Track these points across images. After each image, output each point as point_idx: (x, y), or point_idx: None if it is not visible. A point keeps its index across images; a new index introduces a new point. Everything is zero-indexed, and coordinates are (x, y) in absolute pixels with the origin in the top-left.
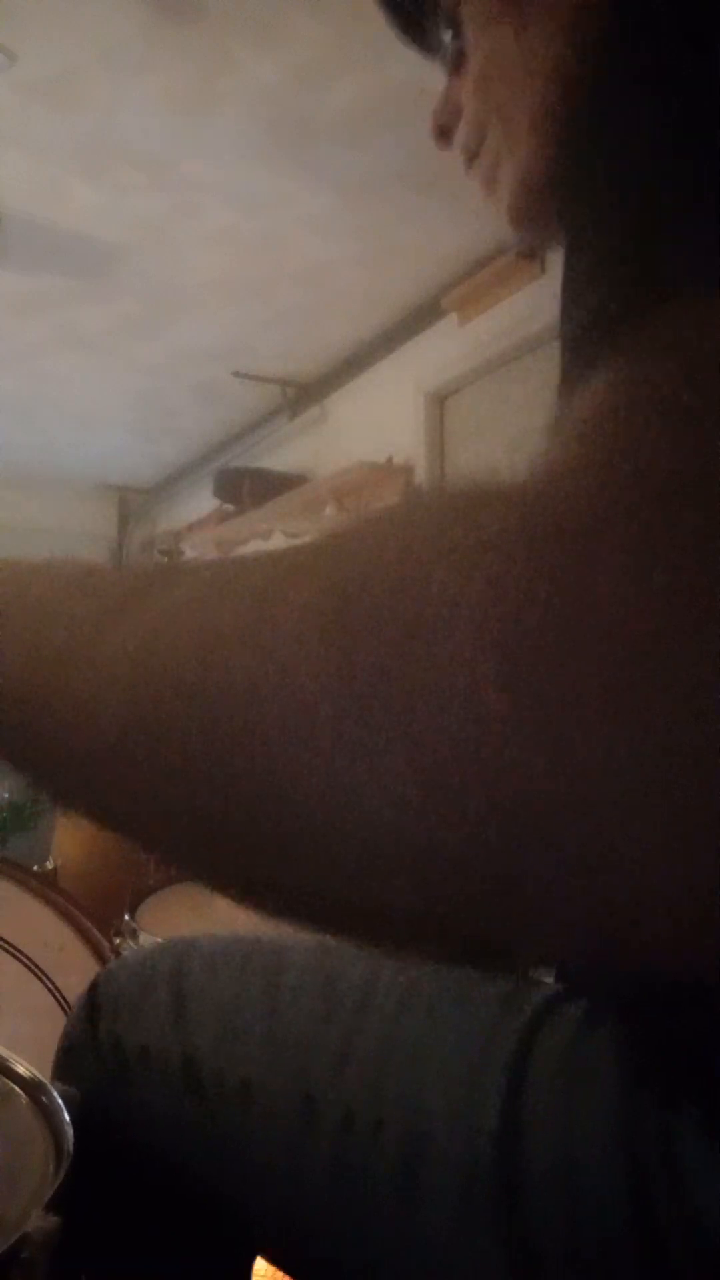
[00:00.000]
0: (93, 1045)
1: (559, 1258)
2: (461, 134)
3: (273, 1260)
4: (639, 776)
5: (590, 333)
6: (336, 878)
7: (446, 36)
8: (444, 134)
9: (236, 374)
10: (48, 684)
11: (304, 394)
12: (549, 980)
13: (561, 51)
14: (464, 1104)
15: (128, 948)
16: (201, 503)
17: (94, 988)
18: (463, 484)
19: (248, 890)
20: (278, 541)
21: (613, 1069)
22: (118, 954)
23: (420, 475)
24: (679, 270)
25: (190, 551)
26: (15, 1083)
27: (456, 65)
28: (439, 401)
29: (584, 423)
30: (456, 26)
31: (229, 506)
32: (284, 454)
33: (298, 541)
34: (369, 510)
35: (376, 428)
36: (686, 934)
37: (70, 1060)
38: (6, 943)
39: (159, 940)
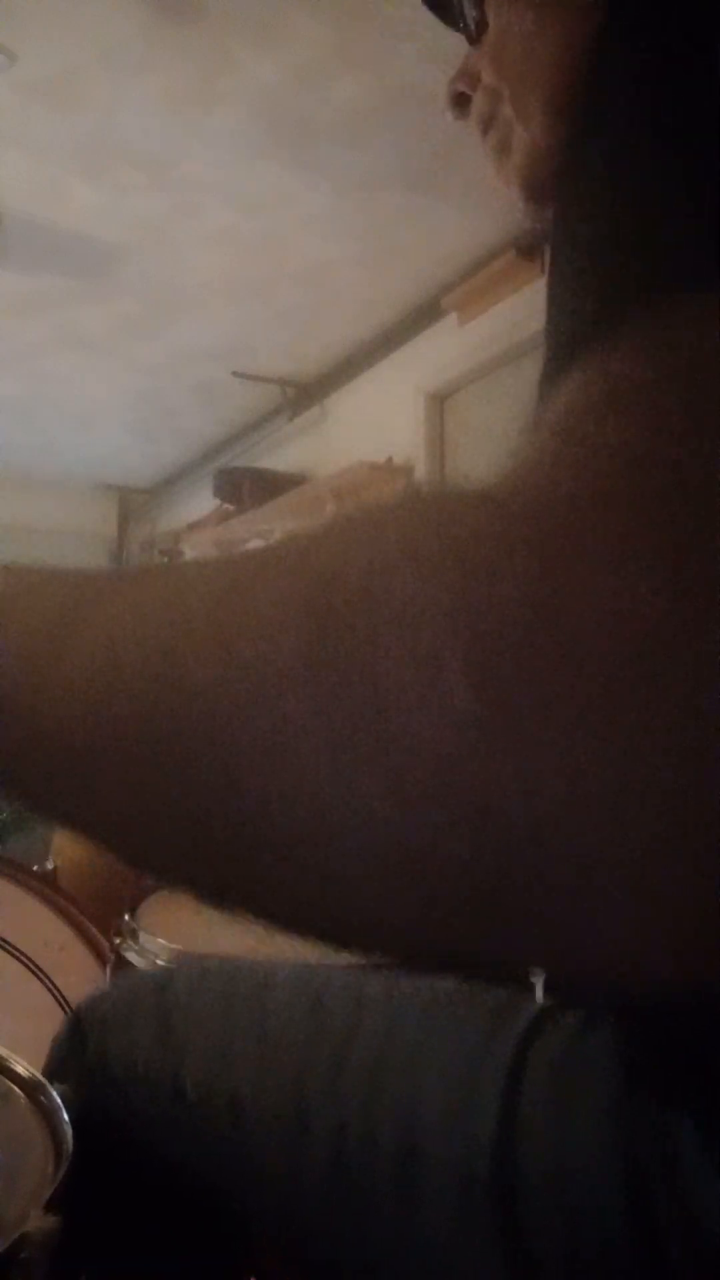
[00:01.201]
0: (81, 1067)
1: (557, 1261)
2: (478, 102)
3: (270, 1269)
4: (611, 780)
5: (567, 331)
6: (309, 880)
7: (470, 6)
8: (460, 103)
9: (236, 374)
10: (14, 691)
11: (304, 394)
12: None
13: (575, 29)
14: (460, 1110)
15: (128, 948)
16: (201, 503)
17: (77, 1015)
18: (436, 487)
19: (223, 894)
20: None
21: (609, 1072)
22: (118, 954)
23: (420, 475)
24: (655, 270)
25: (190, 551)
26: (15, 1083)
27: (478, 35)
28: (439, 401)
29: (554, 424)
30: None
31: (229, 506)
32: (284, 454)
33: None
34: (339, 513)
35: (376, 428)
36: (664, 937)
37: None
38: (6, 943)
39: (160, 940)
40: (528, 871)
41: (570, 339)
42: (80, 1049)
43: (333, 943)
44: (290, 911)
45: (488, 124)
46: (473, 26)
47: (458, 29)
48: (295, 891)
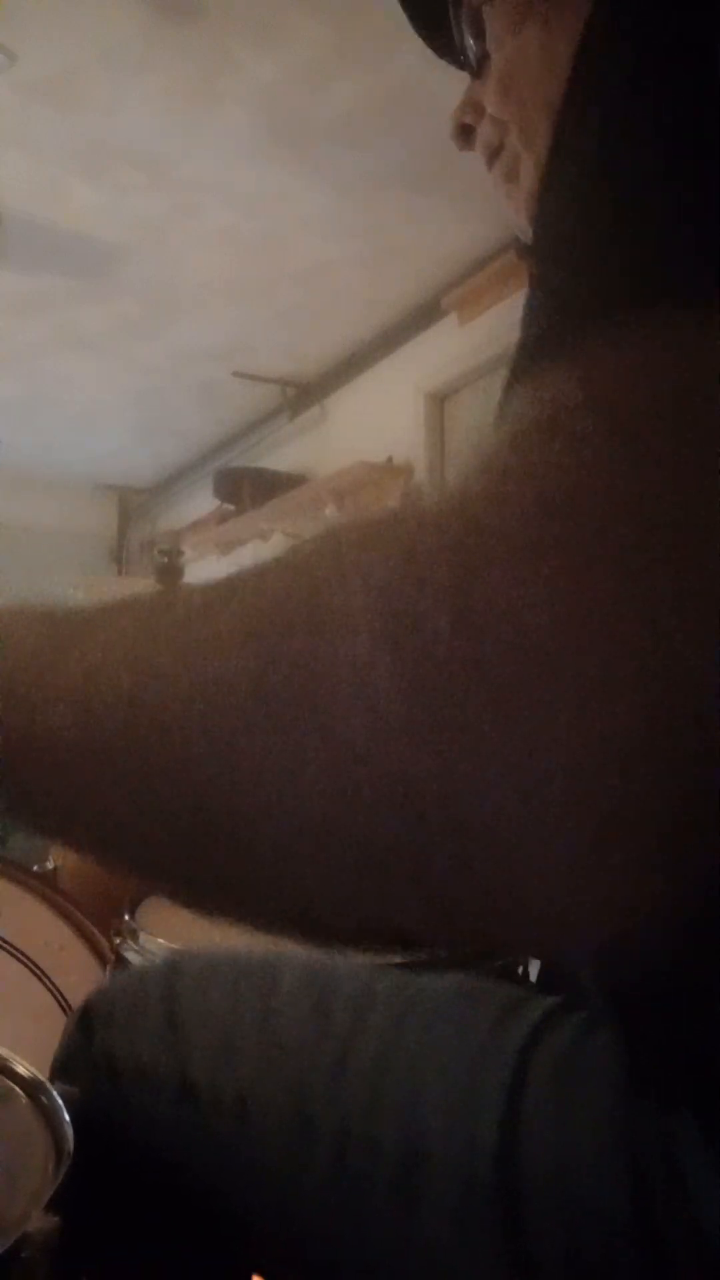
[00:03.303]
0: (87, 1063)
1: (559, 1262)
2: (483, 132)
3: (272, 1271)
4: (514, 767)
5: (525, 340)
6: (264, 864)
7: (470, 40)
8: (465, 134)
9: (236, 374)
10: (6, 712)
11: (304, 394)
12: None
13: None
14: (462, 1111)
15: (128, 947)
16: (201, 503)
17: (86, 1008)
18: (383, 510)
19: (193, 885)
20: (277, 542)
21: (611, 1074)
22: (118, 954)
23: (420, 475)
24: (600, 288)
25: (190, 552)
26: (15, 1083)
27: (479, 68)
28: (439, 401)
29: (490, 447)
30: (480, 30)
31: (229, 506)
32: (284, 454)
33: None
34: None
35: (376, 428)
36: (578, 901)
37: (65, 1078)
38: (6, 943)
39: (160, 940)
40: (450, 849)
41: (525, 349)
42: (87, 1043)
43: (284, 924)
44: (247, 896)
45: (494, 154)
46: (473, 60)
47: (458, 64)
48: (251, 875)
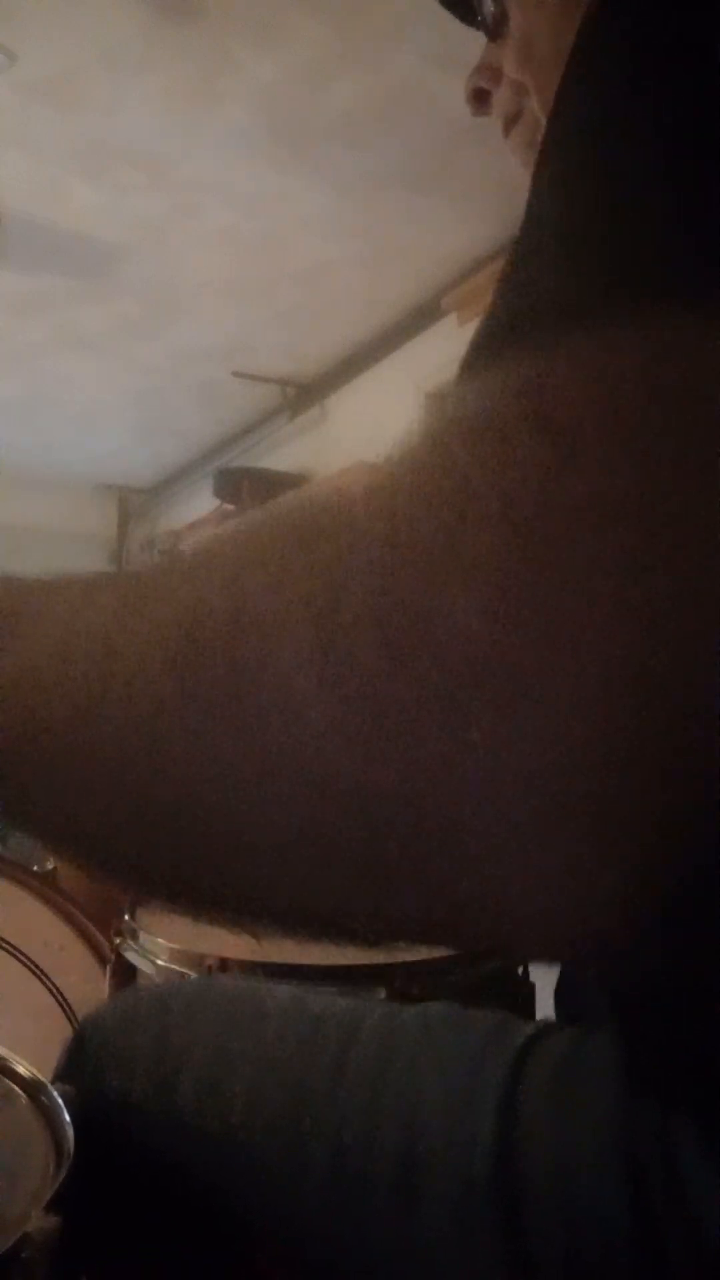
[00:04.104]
0: (80, 1081)
1: (558, 1263)
2: (500, 98)
3: (272, 1266)
4: (443, 769)
5: (489, 333)
6: (214, 872)
7: (489, 1)
8: (481, 98)
9: (236, 374)
10: None
11: (304, 394)
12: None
13: None
14: (460, 1112)
15: (128, 947)
16: (201, 503)
17: (80, 1034)
18: (307, 497)
19: (139, 879)
20: None
21: (610, 1074)
22: (118, 954)
23: None
24: (592, 292)
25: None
26: (15, 1083)
27: (497, 30)
28: (439, 401)
29: (422, 440)
30: None
31: (229, 506)
32: (284, 454)
33: None
34: (223, 531)
35: (376, 428)
36: (535, 897)
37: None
38: (6, 943)
39: (160, 940)
40: (405, 855)
41: (492, 331)
42: (81, 1063)
43: (255, 922)
44: (208, 895)
45: (512, 120)
46: (491, 21)
47: (474, 24)
48: (201, 871)
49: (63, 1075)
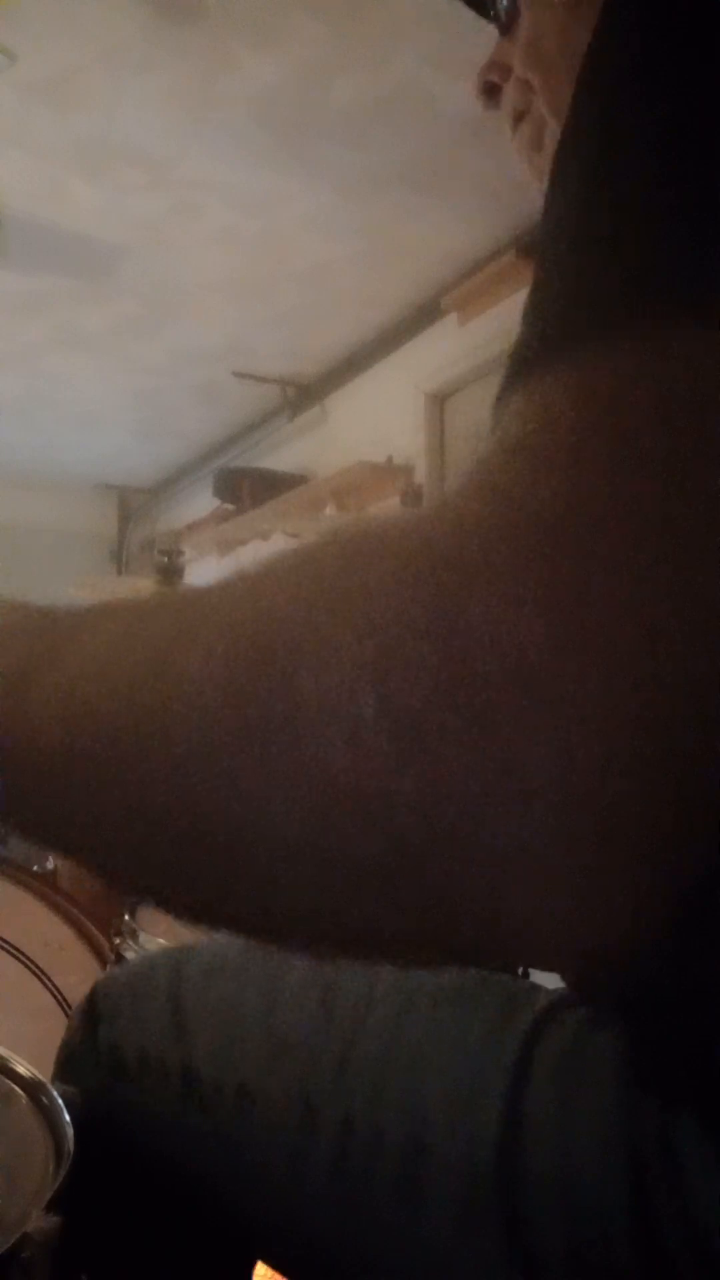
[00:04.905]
0: (92, 1052)
1: (560, 1258)
2: (509, 95)
3: (273, 1264)
4: (495, 789)
5: (516, 355)
6: (245, 881)
7: None
8: (490, 93)
9: (236, 374)
10: None
11: (304, 394)
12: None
13: None
14: (465, 1108)
15: (128, 947)
16: (201, 503)
17: (93, 994)
18: (362, 527)
19: (174, 899)
20: (278, 541)
21: (614, 1070)
22: (117, 954)
23: (420, 475)
24: (602, 303)
25: (190, 551)
26: (15, 1083)
27: (509, 25)
28: (439, 401)
29: (474, 465)
30: None
31: (229, 506)
32: (284, 454)
33: (297, 542)
34: (277, 556)
35: (376, 428)
36: (558, 914)
37: (70, 1066)
38: (6, 943)
39: (160, 940)
40: (438, 872)
41: (520, 352)
42: (93, 1031)
43: (269, 936)
44: (232, 910)
45: (519, 117)
46: (504, 15)
47: (487, 17)
48: (233, 891)
49: (73, 1050)
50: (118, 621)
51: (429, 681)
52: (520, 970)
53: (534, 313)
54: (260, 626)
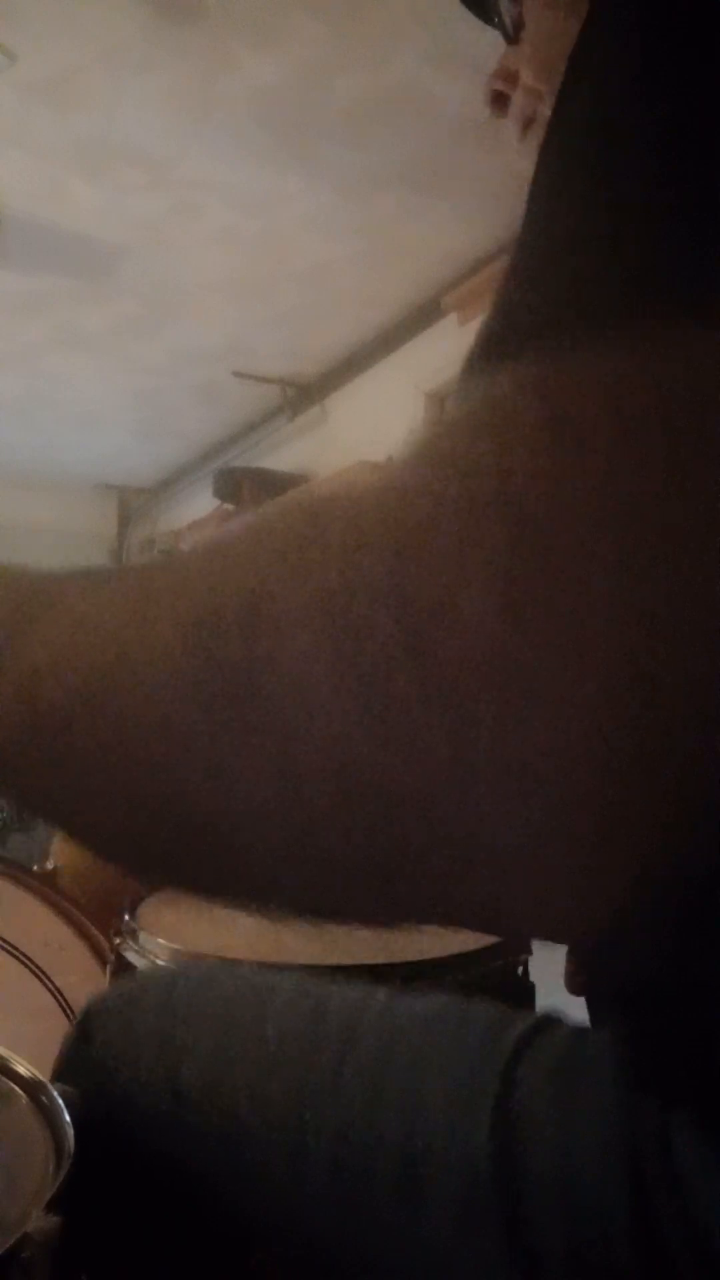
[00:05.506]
0: (87, 1067)
1: (559, 1259)
2: (517, 102)
3: (274, 1265)
4: (482, 774)
5: (490, 333)
6: (219, 852)
7: (507, 3)
8: (498, 101)
9: (236, 374)
10: None
11: (304, 394)
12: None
13: None
14: (462, 1109)
15: (128, 947)
16: (201, 503)
17: (87, 1012)
18: (319, 493)
19: (149, 866)
20: None
21: (611, 1071)
22: (117, 954)
23: None
24: (592, 297)
25: None
26: (15, 1083)
27: (515, 33)
28: (439, 401)
29: (430, 435)
30: None
31: (229, 506)
32: (284, 454)
33: None
34: (242, 521)
35: (376, 428)
36: (539, 891)
37: (65, 1081)
38: (6, 943)
39: (160, 940)
40: (402, 845)
41: (495, 331)
42: (87, 1048)
43: (248, 902)
44: (208, 879)
45: (527, 125)
46: (510, 24)
47: (493, 25)
48: (209, 862)
49: (67, 1063)
50: (97, 592)
51: (386, 655)
52: (520, 970)
53: (514, 294)
54: (220, 592)
